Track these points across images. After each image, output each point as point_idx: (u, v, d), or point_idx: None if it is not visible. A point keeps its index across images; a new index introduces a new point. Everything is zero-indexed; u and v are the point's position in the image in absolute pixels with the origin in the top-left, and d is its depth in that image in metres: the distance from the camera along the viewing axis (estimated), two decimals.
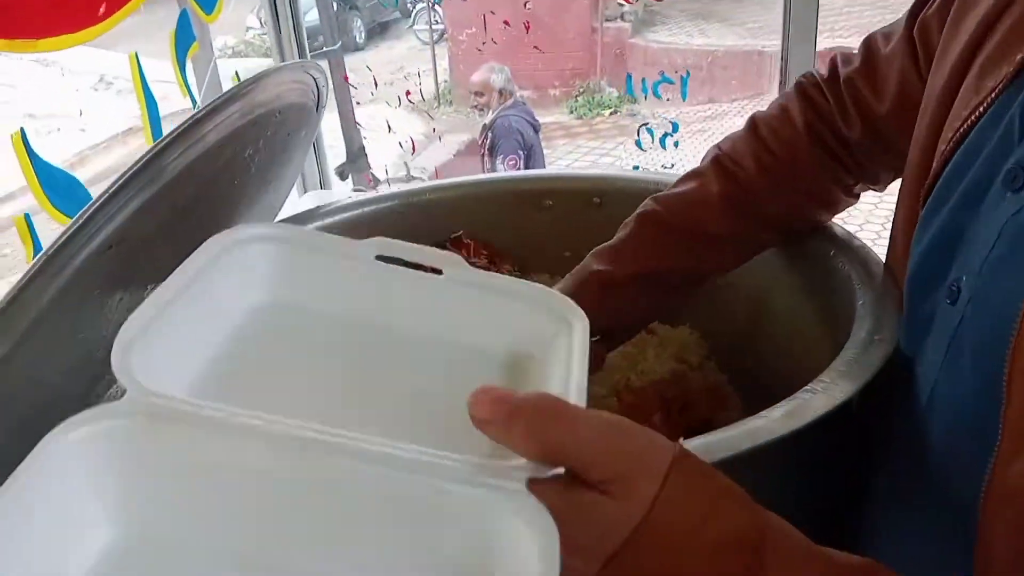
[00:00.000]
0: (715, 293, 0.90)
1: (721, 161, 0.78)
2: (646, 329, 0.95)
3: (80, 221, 0.52)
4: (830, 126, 0.75)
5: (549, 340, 0.48)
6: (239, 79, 1.32)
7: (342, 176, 3.33)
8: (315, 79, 0.81)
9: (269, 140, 0.80)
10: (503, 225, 1.03)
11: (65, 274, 0.52)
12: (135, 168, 0.56)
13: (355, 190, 3.32)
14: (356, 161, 3.27)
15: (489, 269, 1.02)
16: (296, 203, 1.58)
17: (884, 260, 0.72)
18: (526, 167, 3.40)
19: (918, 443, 0.54)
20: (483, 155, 3.64)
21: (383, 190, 1.00)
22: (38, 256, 0.53)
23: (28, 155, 0.96)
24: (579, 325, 0.48)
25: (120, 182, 0.55)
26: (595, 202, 1.01)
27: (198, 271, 0.44)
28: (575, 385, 0.43)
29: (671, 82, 2.93)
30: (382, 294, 0.49)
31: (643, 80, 3.66)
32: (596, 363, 0.80)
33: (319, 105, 0.84)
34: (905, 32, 0.68)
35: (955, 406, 0.52)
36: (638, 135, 1.69)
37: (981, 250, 0.50)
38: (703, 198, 0.78)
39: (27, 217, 0.96)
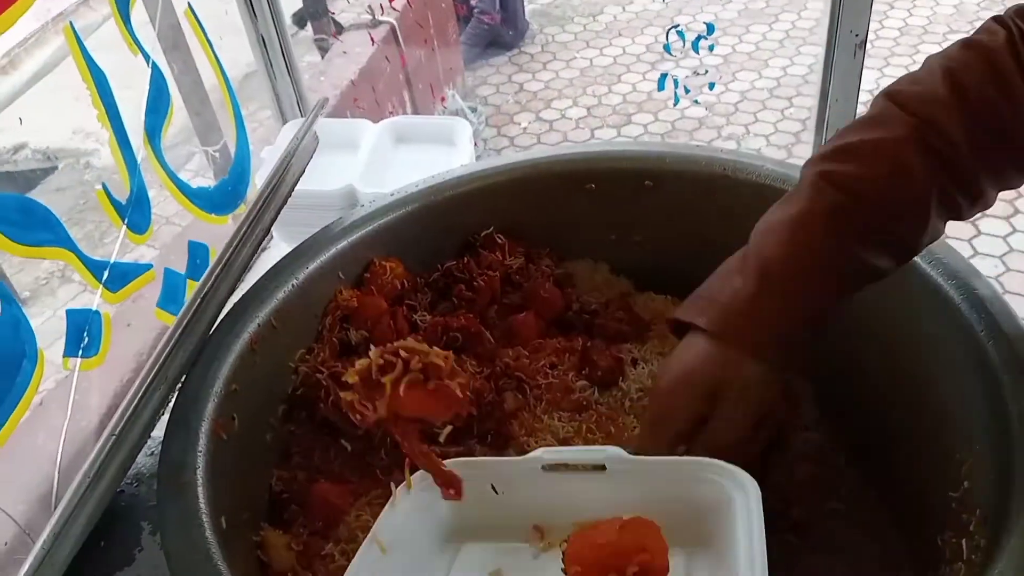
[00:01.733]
0: None
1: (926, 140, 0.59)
2: None
3: None
4: None
5: (723, 512, 0.51)
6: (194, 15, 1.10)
7: (300, 23, 3.00)
8: None
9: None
10: (539, 213, 0.90)
11: None
12: None
13: (316, 39, 3.01)
14: (314, 6, 2.94)
15: (527, 268, 0.90)
16: (279, 135, 1.39)
17: None
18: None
19: None
20: None
21: (405, 191, 0.85)
22: None
23: None
24: (752, 493, 0.50)
25: None
26: (647, 185, 0.87)
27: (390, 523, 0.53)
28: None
29: None
30: (555, 498, 0.55)
31: None
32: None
33: None
34: None
35: None
36: (667, 38, 1.46)
37: None
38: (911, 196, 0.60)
39: None
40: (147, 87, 1.06)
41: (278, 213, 0.84)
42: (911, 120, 0.60)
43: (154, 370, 0.68)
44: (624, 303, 0.88)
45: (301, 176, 0.86)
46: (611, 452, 0.53)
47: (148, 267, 0.92)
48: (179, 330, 0.71)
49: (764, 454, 0.86)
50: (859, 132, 0.62)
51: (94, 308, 1.00)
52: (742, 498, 0.49)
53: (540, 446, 0.75)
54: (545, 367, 0.81)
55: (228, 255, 0.77)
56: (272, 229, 1.32)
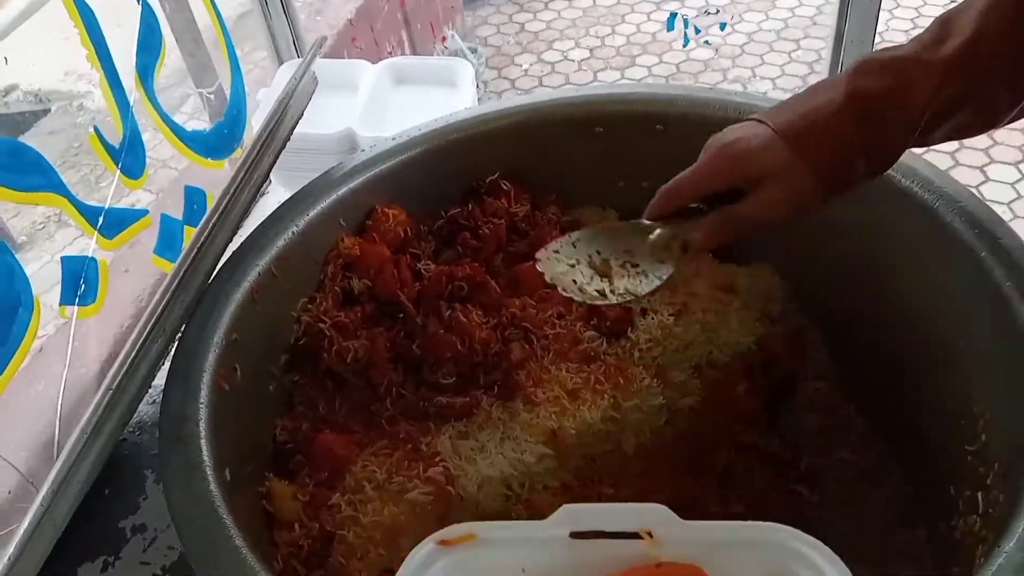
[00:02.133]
0: (795, 228, 0.78)
1: None
2: (725, 288, 0.84)
3: None
4: None
5: None
6: None
7: None
8: None
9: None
10: (545, 158, 0.87)
11: None
12: None
13: None
14: None
15: (533, 215, 0.87)
16: (275, 76, 1.35)
17: None
18: None
19: None
20: None
21: (407, 135, 0.82)
22: None
23: None
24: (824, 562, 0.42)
25: None
26: (658, 129, 0.84)
27: None
28: None
29: None
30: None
31: None
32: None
33: None
34: None
35: None
36: None
37: None
38: None
39: None
40: (138, 25, 1.02)
41: (277, 157, 0.81)
42: None
43: (152, 320, 0.66)
44: None
45: (300, 119, 0.83)
46: (656, 514, 0.43)
47: (144, 213, 0.89)
48: (177, 279, 0.69)
49: (772, 402, 0.85)
50: None
51: (90, 255, 0.98)
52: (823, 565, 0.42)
53: (547, 397, 0.74)
54: (552, 317, 0.79)
55: (226, 201, 0.75)
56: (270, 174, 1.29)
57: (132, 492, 0.84)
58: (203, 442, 0.57)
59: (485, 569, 0.42)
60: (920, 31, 0.62)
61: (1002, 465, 0.58)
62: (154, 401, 0.94)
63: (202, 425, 0.59)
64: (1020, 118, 0.63)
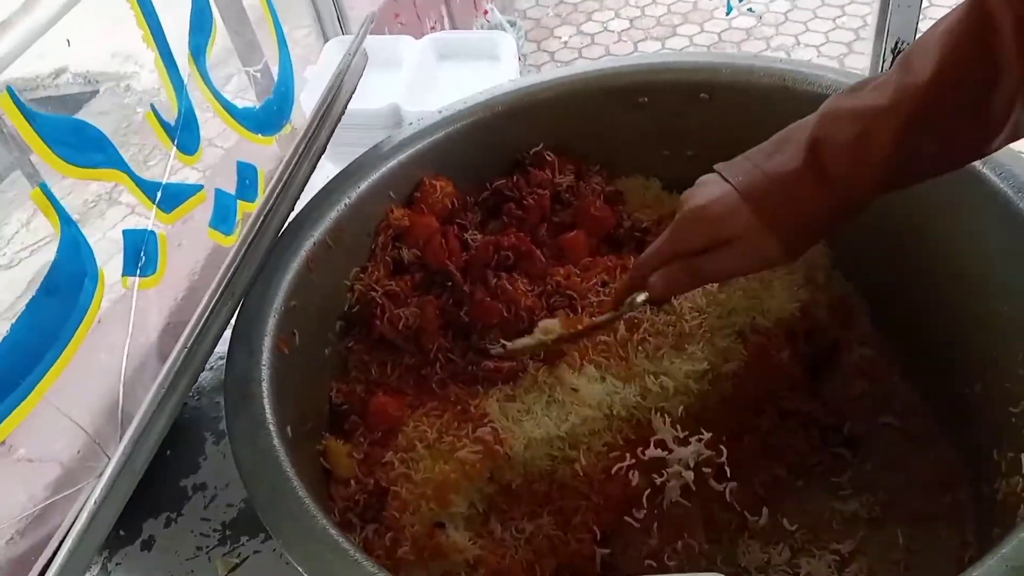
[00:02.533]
0: None
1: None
2: None
3: None
4: None
5: None
6: None
7: None
8: None
9: None
10: (589, 128, 0.88)
11: None
12: None
13: None
14: None
15: (577, 186, 0.89)
16: (322, 53, 1.37)
17: None
18: None
19: None
20: None
21: (453, 108, 0.84)
22: None
23: (20, 111, 0.81)
24: None
25: None
26: (702, 98, 0.84)
27: None
28: None
29: None
30: None
31: None
32: None
33: None
34: None
35: None
36: None
37: None
38: None
39: (44, 188, 0.82)
40: (189, 6, 1.05)
41: (332, 131, 0.83)
42: None
43: (221, 287, 0.69)
44: None
45: (353, 93, 0.86)
46: None
47: (199, 188, 0.93)
48: (244, 248, 0.72)
49: (816, 368, 0.86)
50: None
51: (149, 228, 1.02)
52: None
53: (592, 362, 0.76)
54: (596, 285, 0.81)
55: (287, 174, 0.77)
56: None
57: (193, 453, 0.88)
58: (266, 401, 0.61)
59: None
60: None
61: None
62: (212, 368, 0.98)
63: (264, 386, 0.62)
64: (1008, 143, 0.60)
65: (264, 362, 0.64)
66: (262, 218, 0.74)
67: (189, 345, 0.63)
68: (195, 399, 0.96)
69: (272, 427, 0.59)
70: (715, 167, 0.68)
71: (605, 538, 0.73)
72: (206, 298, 0.67)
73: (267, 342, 0.65)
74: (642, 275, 0.70)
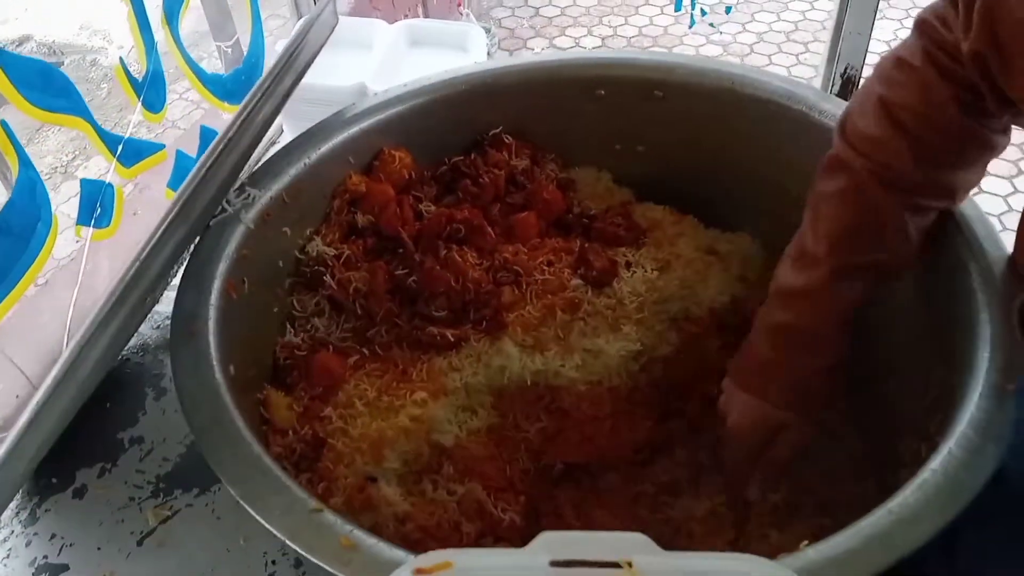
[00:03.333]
0: (779, 201, 0.83)
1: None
2: (707, 250, 0.89)
3: None
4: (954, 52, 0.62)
5: None
6: None
7: None
8: None
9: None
10: (548, 116, 0.92)
11: None
12: None
13: None
14: None
15: (532, 170, 0.92)
16: (294, 29, 1.39)
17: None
18: None
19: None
20: None
21: (417, 83, 0.87)
22: None
23: None
24: None
25: None
26: (656, 95, 0.88)
27: None
28: None
29: None
30: None
31: None
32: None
33: None
34: None
35: None
36: None
37: None
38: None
39: (3, 125, 0.83)
40: None
41: (296, 82, 0.84)
42: (865, 164, 0.66)
43: (152, 241, 0.69)
44: (624, 210, 0.91)
45: (319, 50, 0.86)
46: (637, 544, 0.42)
47: (161, 147, 0.94)
48: (177, 206, 0.71)
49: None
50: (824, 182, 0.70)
51: (107, 180, 1.03)
52: None
53: (532, 336, 0.79)
54: (542, 264, 0.84)
55: (247, 112, 0.77)
56: (283, 123, 1.32)
57: (132, 408, 0.89)
58: (211, 337, 0.62)
59: None
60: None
61: (942, 412, 0.62)
62: (158, 327, 0.99)
63: (211, 324, 0.63)
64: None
65: (212, 302, 0.65)
66: (201, 174, 0.73)
67: (119, 292, 0.63)
68: (139, 355, 0.96)
69: (215, 363, 0.61)
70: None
71: (532, 506, 0.75)
72: (137, 249, 0.67)
73: (216, 284, 0.67)
74: (740, 492, 0.76)
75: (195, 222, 0.75)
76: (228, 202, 0.73)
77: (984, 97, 0.62)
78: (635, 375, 0.81)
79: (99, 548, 0.76)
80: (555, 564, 0.41)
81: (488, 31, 2.99)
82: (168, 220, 0.74)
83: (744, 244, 0.91)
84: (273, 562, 0.70)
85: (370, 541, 0.49)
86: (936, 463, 0.52)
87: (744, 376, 0.74)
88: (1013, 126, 0.66)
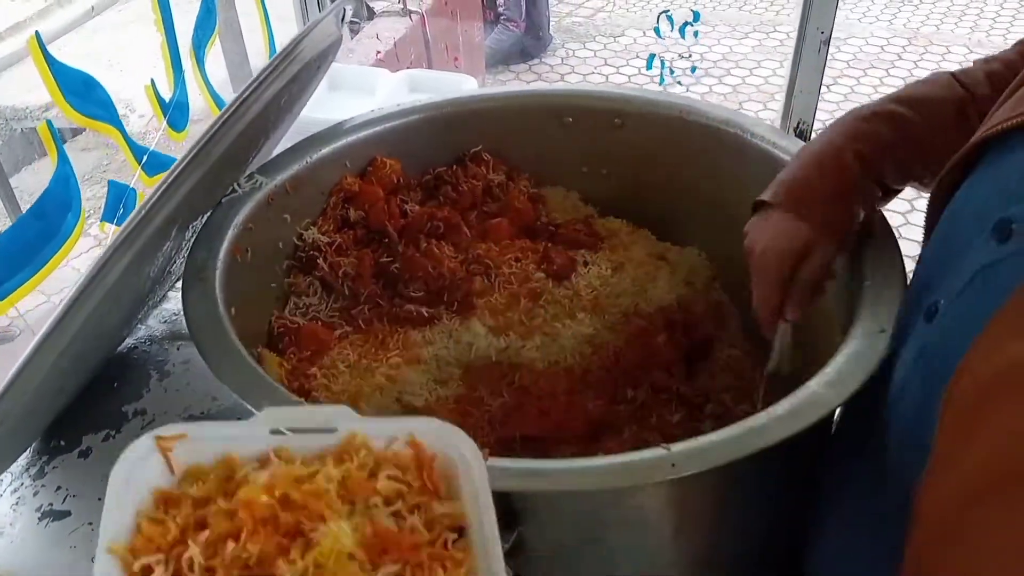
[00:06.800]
0: (724, 218, 0.94)
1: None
2: (658, 256, 1.00)
3: None
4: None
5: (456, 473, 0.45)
6: None
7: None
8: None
9: (301, 79, 0.80)
10: (522, 139, 1.05)
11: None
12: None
13: (350, 21, 3.18)
14: None
15: (507, 184, 1.05)
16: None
17: None
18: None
19: (871, 443, 0.58)
20: None
21: (405, 104, 1.00)
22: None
23: (45, 58, 0.95)
24: (473, 462, 0.44)
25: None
26: (616, 123, 1.01)
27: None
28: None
29: None
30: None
31: None
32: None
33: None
34: None
35: (908, 415, 0.54)
36: (657, 22, 1.63)
37: (959, 280, 0.50)
38: None
39: (49, 124, 0.95)
40: (198, 6, 1.22)
41: (293, 81, 0.88)
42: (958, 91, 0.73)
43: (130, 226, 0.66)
44: (586, 221, 1.03)
45: (319, 59, 0.91)
46: (341, 413, 0.46)
47: None
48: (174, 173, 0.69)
49: (692, 359, 1.00)
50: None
51: (131, 185, 1.15)
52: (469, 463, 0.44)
53: (498, 317, 0.90)
54: (510, 260, 0.95)
55: (248, 92, 0.74)
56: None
57: (138, 386, 0.99)
58: (217, 283, 0.73)
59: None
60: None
61: None
62: (164, 320, 1.10)
63: (218, 274, 0.74)
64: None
65: (220, 259, 0.76)
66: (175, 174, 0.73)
67: (135, 224, 0.64)
68: (146, 344, 1.07)
69: (220, 302, 0.71)
70: (757, 198, 0.80)
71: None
72: (141, 202, 0.70)
73: (225, 246, 0.78)
74: (771, 318, 0.79)
75: (174, 210, 0.70)
76: (238, 185, 0.84)
77: None
78: (588, 358, 0.91)
79: (99, 499, 0.85)
80: (275, 432, 0.46)
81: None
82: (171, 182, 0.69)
83: (691, 256, 1.02)
84: None
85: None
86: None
87: (788, 199, 0.77)
88: None
